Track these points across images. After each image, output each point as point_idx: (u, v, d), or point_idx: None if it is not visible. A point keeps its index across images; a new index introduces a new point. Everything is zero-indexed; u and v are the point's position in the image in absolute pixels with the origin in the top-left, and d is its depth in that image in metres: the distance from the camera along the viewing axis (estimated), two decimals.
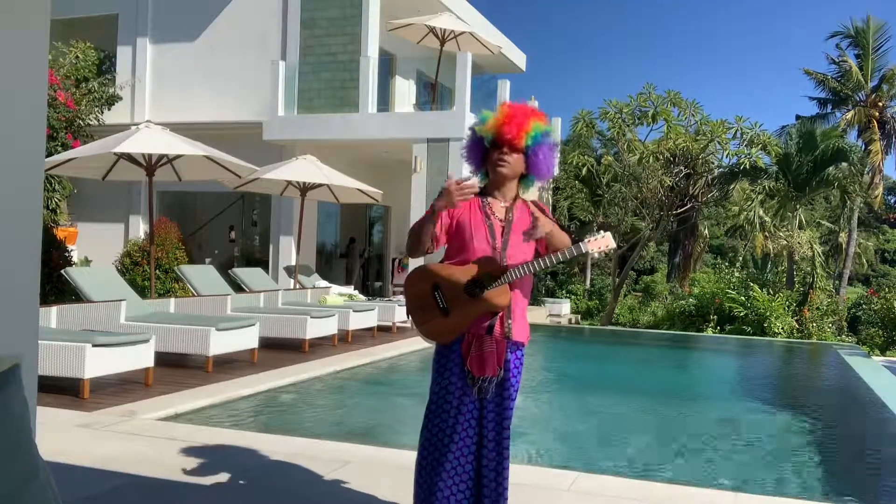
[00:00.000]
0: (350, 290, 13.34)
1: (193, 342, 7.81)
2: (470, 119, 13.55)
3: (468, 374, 3.09)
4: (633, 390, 8.90)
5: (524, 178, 3.23)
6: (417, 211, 13.71)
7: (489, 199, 3.21)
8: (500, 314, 3.11)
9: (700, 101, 21.05)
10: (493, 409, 3.15)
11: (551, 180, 20.36)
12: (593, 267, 25.74)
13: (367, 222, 19.64)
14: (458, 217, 3.15)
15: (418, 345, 10.19)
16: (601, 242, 3.13)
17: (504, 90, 16.66)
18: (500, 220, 3.17)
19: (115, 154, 9.63)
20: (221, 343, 7.92)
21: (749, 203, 20.94)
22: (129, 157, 9.91)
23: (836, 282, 24.54)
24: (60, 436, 5.00)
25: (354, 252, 18.76)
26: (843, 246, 25.34)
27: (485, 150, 3.20)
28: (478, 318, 3.08)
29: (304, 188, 12.63)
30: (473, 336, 3.09)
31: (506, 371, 3.13)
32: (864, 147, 24.07)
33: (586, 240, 3.14)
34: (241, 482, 4.30)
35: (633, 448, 6.16)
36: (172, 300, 9.22)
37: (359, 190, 12.70)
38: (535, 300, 20.03)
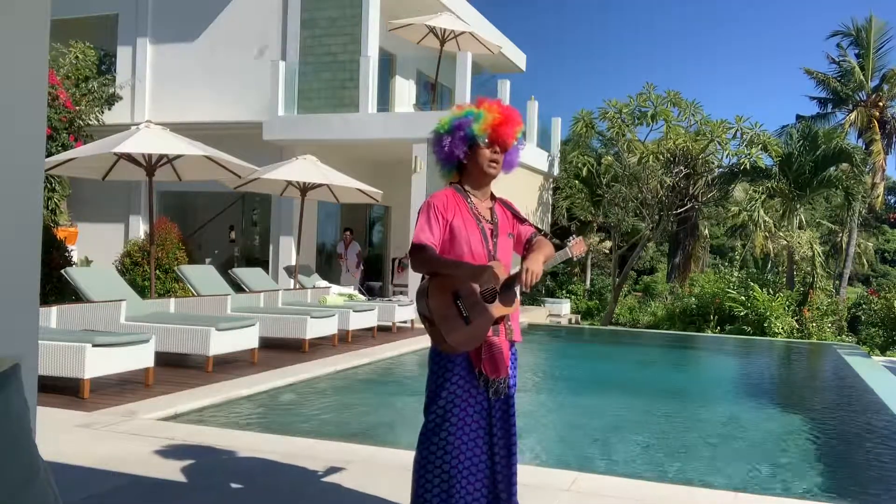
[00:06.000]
0: (350, 290, 13.34)
1: (193, 342, 7.81)
2: None
3: (481, 377, 3.09)
4: (633, 390, 8.90)
5: None
6: (417, 211, 13.70)
7: (472, 199, 3.20)
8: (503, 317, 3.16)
9: (700, 101, 21.03)
10: (500, 409, 3.19)
11: (551, 180, 20.38)
12: (593, 267, 25.72)
13: (367, 222, 19.63)
14: (450, 220, 3.13)
15: (418, 345, 10.19)
16: (579, 247, 3.17)
17: (504, 90, 16.66)
18: (488, 222, 3.19)
19: (115, 154, 9.63)
20: (221, 343, 7.92)
21: (752, 203, 20.93)
22: (129, 157, 9.91)
23: (836, 282, 24.53)
24: (60, 436, 5.00)
25: None
26: (843, 246, 25.34)
27: (469, 147, 3.14)
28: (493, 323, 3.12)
29: (304, 188, 12.63)
30: (482, 340, 3.12)
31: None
32: (864, 147, 24.07)
33: (568, 245, 3.16)
34: (240, 482, 4.30)
35: (633, 448, 6.16)
36: (172, 300, 9.23)
37: (359, 190, 12.69)
38: (534, 300, 20.02)
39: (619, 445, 6.23)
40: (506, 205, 3.30)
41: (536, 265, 3.01)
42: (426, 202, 3.17)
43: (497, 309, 3.09)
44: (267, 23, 16.07)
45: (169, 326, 7.90)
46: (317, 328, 9.62)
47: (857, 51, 25.61)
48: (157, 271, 12.39)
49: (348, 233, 15.97)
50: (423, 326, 3.18)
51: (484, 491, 3.13)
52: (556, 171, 20.16)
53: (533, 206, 18.66)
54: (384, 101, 16.71)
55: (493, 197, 3.29)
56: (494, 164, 3.16)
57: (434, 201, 3.15)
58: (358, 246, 16.03)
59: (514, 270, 3.14)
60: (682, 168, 19.09)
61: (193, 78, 16.53)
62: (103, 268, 12.41)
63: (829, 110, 26.49)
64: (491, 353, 3.10)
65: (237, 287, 11.14)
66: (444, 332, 3.06)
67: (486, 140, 3.12)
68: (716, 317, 17.71)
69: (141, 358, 6.85)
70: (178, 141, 9.63)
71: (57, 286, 10.03)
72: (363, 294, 15.10)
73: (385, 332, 11.62)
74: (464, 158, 3.18)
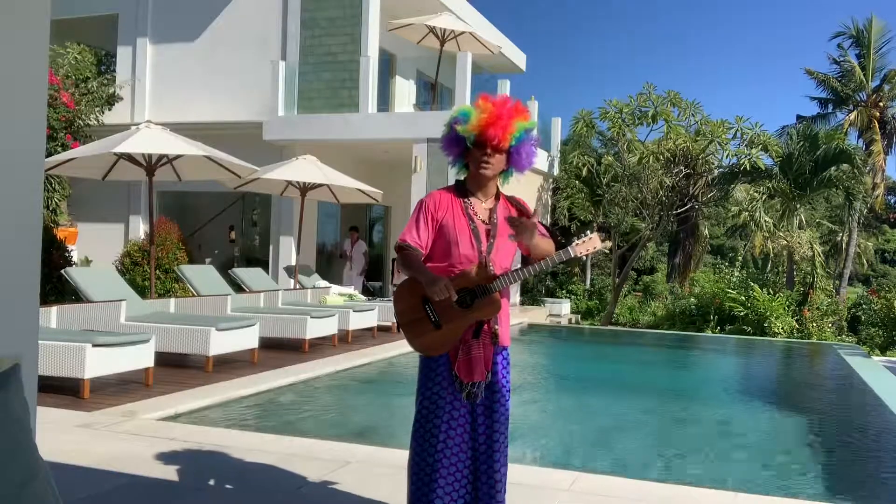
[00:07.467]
0: (350, 290, 13.34)
1: (193, 342, 7.81)
2: None
3: (456, 379, 3.04)
4: (632, 390, 8.91)
5: (503, 172, 3.16)
6: None
7: (471, 199, 3.13)
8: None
9: (700, 102, 21.00)
10: (483, 413, 3.11)
11: (551, 180, 20.37)
12: (593, 267, 25.70)
13: (367, 222, 19.63)
14: (441, 220, 3.07)
15: None
16: (588, 245, 3.03)
17: (504, 90, 16.68)
18: (485, 223, 3.10)
19: (115, 154, 9.63)
20: (221, 343, 7.91)
21: (753, 204, 20.91)
22: (129, 157, 9.91)
23: (836, 282, 24.52)
24: (60, 436, 5.00)
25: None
26: (843, 246, 25.33)
27: (465, 146, 3.10)
28: (469, 327, 3.05)
29: (304, 188, 12.63)
30: (460, 341, 3.05)
31: (494, 374, 3.10)
32: (864, 147, 24.08)
33: (574, 243, 3.04)
34: (240, 482, 4.30)
35: (632, 448, 6.16)
36: (172, 300, 9.23)
37: (359, 190, 12.70)
38: (534, 300, 20.02)
39: (619, 445, 6.23)
40: (516, 204, 3.18)
41: (530, 224, 2.93)
42: (420, 201, 3.15)
43: (474, 314, 3.02)
44: (267, 23, 16.07)
45: (169, 326, 7.90)
46: (317, 328, 9.62)
47: (857, 51, 25.63)
48: (157, 271, 12.39)
49: (355, 232, 15.95)
50: None
51: (463, 492, 3.09)
52: (555, 171, 20.16)
53: (533, 206, 18.60)
54: (384, 101, 16.71)
55: (497, 197, 3.18)
56: (486, 164, 3.04)
57: (426, 200, 3.13)
58: (364, 245, 16.00)
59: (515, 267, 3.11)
60: (682, 168, 19.08)
61: (193, 78, 16.53)
62: (103, 268, 12.41)
63: (830, 110, 26.51)
64: (468, 354, 3.03)
65: (237, 287, 11.13)
66: (408, 337, 3.08)
67: (473, 141, 3.04)
68: (716, 317, 17.70)
69: (141, 358, 6.85)
70: (178, 141, 9.63)
71: (57, 286, 10.04)
72: (368, 290, 15.07)
73: (385, 332, 11.61)
74: (461, 157, 3.16)
